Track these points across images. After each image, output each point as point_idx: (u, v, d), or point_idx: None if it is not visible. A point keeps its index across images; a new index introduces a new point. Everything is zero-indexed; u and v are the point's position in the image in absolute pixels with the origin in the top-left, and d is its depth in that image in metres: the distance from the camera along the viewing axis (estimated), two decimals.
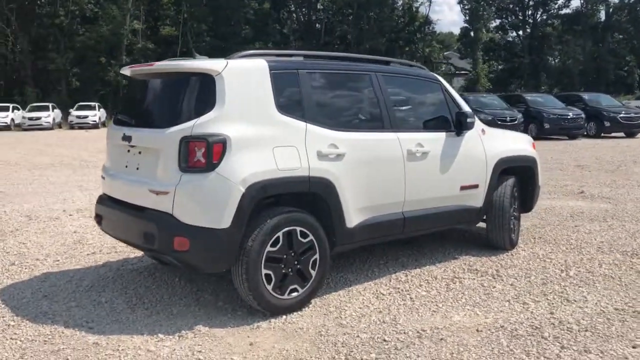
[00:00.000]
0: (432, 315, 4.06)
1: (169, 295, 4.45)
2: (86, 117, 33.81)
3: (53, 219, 7.28)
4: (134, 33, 42.75)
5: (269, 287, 3.91)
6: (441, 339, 3.64)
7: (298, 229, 4.03)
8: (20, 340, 3.64)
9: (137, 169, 4.13)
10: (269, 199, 4.05)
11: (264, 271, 3.87)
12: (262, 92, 3.97)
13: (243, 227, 3.77)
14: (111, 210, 4.30)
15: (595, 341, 3.58)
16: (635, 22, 52.10)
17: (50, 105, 34.41)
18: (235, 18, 43.82)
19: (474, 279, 4.83)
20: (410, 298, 4.39)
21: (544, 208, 7.76)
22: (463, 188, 5.15)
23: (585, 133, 21.91)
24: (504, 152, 5.47)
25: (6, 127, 32.20)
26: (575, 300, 4.30)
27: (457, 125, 5.01)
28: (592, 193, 8.97)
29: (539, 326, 3.81)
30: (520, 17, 55.92)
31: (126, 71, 4.48)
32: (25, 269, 5.16)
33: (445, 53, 58.92)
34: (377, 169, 4.46)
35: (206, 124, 3.74)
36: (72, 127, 33.29)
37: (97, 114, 34.25)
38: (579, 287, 4.60)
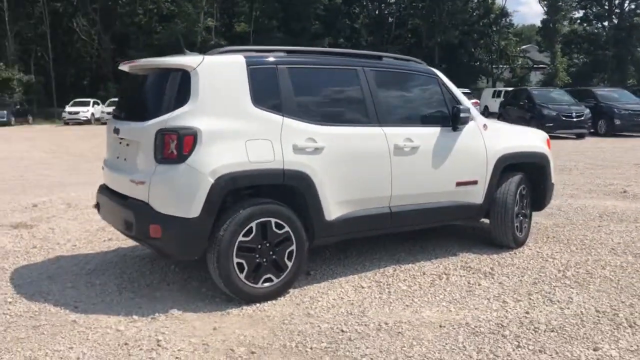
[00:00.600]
0: (404, 309, 4.07)
1: (159, 280, 4.68)
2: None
3: (89, 207, 7.73)
4: (207, 30, 44.05)
5: (241, 276, 4.05)
6: (399, 333, 3.65)
7: (273, 220, 4.14)
8: (10, 316, 3.97)
9: (125, 160, 4.38)
10: (248, 190, 4.20)
11: (235, 260, 4.01)
12: (237, 87, 4.10)
13: (213, 216, 3.92)
14: (106, 199, 4.57)
15: (556, 342, 3.49)
16: None
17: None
18: (306, 14, 44.24)
19: (463, 276, 4.77)
20: (389, 292, 4.40)
21: (575, 207, 7.49)
22: (459, 184, 5.08)
23: None
24: (508, 148, 5.33)
25: (87, 121, 34.13)
26: (558, 301, 4.17)
27: (453, 120, 4.95)
28: (636, 193, 8.52)
29: (504, 325, 3.75)
30: (606, 7, 53.05)
31: (124, 67, 4.74)
32: (43, 252, 5.56)
33: (524, 46, 56.93)
34: (359, 163, 4.49)
35: (180, 117, 3.92)
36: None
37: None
38: (570, 288, 4.46)
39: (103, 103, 36.24)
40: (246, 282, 4.07)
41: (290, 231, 4.21)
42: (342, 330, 3.68)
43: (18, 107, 37.58)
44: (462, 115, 4.88)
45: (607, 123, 20.04)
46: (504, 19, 50.52)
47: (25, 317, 3.94)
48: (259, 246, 4.11)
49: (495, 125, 5.53)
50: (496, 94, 33.51)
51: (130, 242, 5.82)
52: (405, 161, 4.74)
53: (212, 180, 3.86)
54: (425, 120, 5.00)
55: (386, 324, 3.79)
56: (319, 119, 4.40)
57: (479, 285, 4.55)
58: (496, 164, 5.24)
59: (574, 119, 18.80)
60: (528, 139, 5.67)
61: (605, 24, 53.11)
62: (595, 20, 54.07)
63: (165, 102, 4.06)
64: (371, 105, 4.64)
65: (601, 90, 23.73)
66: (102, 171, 4.89)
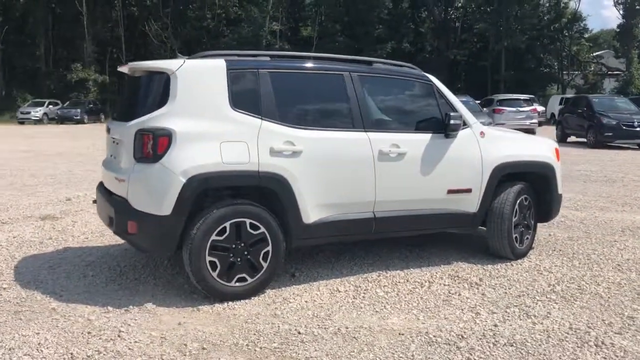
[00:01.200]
0: (371, 315, 4.06)
1: (147, 275, 4.87)
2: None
3: None
4: (272, 34, 44.80)
5: (214, 274, 4.16)
6: (354, 338, 3.66)
7: (248, 221, 4.23)
8: (15, 305, 4.22)
9: (115, 158, 4.59)
10: (227, 190, 4.32)
11: (208, 258, 4.12)
12: (216, 90, 4.22)
13: (184, 215, 4.06)
14: (99, 196, 4.80)
15: (510, 357, 3.40)
16: None
17: None
18: (369, 18, 44.18)
19: (447, 285, 4.70)
20: (363, 297, 4.40)
21: (600, 220, 7.20)
22: (451, 192, 5.01)
23: None
24: (507, 156, 5.20)
25: None
26: (534, 316, 4.05)
27: (444, 127, 4.89)
28: None
29: (464, 337, 3.68)
30: None
31: (123, 69, 4.95)
32: (56, 243, 5.90)
33: (599, 52, 54.56)
34: (340, 167, 4.52)
35: (157, 118, 4.09)
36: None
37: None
38: (554, 303, 4.31)
39: None
40: (218, 280, 4.18)
41: (266, 232, 4.29)
42: (299, 332, 3.72)
43: (91, 106, 39.56)
44: (452, 122, 4.81)
45: None
46: (576, 24, 48.60)
47: (12, 303, 4.20)
48: (233, 246, 4.21)
49: (495, 133, 5.41)
50: (563, 101, 32.34)
51: None
52: (391, 167, 4.72)
53: (183, 180, 4.00)
54: (416, 127, 4.96)
55: (346, 328, 3.80)
56: (300, 122, 4.46)
57: (459, 295, 4.47)
58: (493, 173, 5.12)
59: (637, 129, 17.89)
60: (531, 148, 5.50)
61: None
62: None
63: (147, 104, 4.24)
64: (357, 110, 4.65)
65: None
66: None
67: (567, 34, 48.06)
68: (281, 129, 4.34)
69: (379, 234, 4.89)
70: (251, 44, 44.32)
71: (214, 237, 4.13)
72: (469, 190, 5.08)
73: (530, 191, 5.45)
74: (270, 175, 4.25)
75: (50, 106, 38.94)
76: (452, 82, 50.95)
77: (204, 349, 3.48)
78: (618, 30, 49.02)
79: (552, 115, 31.63)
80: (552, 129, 22.87)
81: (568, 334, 3.73)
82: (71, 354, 3.36)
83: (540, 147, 5.59)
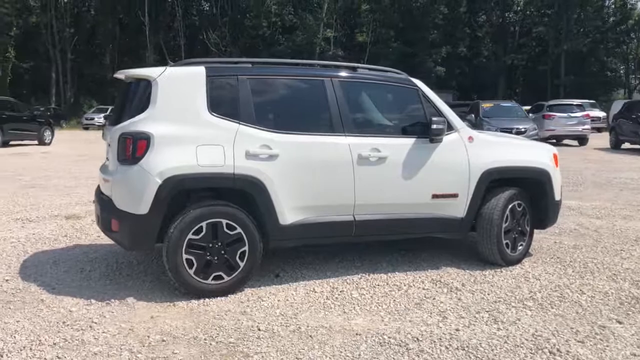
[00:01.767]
0: (338, 316, 4.14)
1: (140, 271, 5.11)
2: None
3: None
4: (326, 41, 45.17)
5: (190, 271, 4.34)
6: (310, 336, 3.75)
7: (224, 221, 4.40)
8: (10, 296, 4.56)
9: (107, 160, 4.86)
10: (207, 192, 4.52)
11: (185, 256, 4.32)
12: (195, 96, 4.42)
13: (161, 214, 4.27)
14: (95, 197, 5.09)
15: None
16: None
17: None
18: (424, 23, 43.90)
19: (426, 289, 4.71)
20: (336, 298, 4.48)
21: (616, 229, 6.99)
22: (436, 196, 5.02)
23: None
24: (496, 161, 5.16)
25: None
26: (502, 322, 4.02)
27: (427, 131, 4.91)
28: None
29: (419, 339, 3.71)
30: None
31: (118, 75, 5.18)
32: (69, 240, 6.26)
33: None
34: (317, 170, 4.62)
35: (138, 122, 4.33)
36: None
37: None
38: (527, 310, 4.26)
39: None
40: (195, 277, 4.36)
41: (242, 232, 4.44)
42: (259, 329, 3.85)
43: None
44: (433, 127, 4.82)
45: None
46: None
47: (7, 294, 4.53)
48: (210, 245, 4.38)
49: (485, 137, 5.36)
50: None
51: None
52: (371, 171, 4.78)
53: (159, 181, 4.21)
54: (399, 131, 5.00)
55: (307, 327, 3.90)
56: (277, 127, 4.59)
57: (434, 299, 4.48)
58: (481, 178, 5.09)
59: None
60: (524, 153, 5.42)
61: None
62: None
63: (132, 109, 4.49)
64: (337, 115, 4.74)
65: None
66: None
67: (634, 36, 46.10)
68: (258, 133, 4.49)
69: (360, 237, 4.96)
70: (305, 51, 44.89)
71: (190, 235, 4.32)
72: (455, 195, 5.07)
73: (524, 197, 5.38)
74: (245, 177, 4.40)
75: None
76: (509, 87, 49.91)
77: (163, 341, 3.67)
78: None
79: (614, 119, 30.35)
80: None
81: (526, 340, 3.69)
82: (39, 340, 3.61)
83: (535, 152, 5.50)
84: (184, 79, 4.48)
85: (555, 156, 5.61)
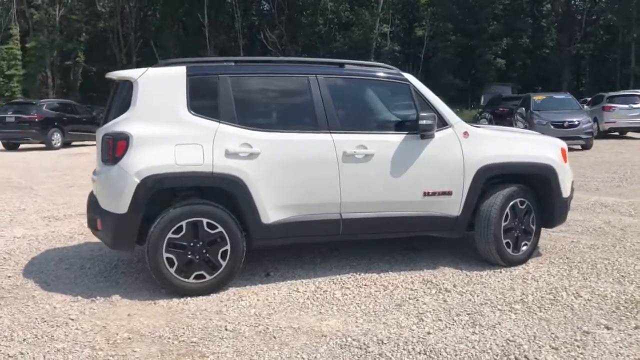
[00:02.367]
0: (312, 316, 4.07)
1: (135, 270, 5.20)
2: None
3: None
4: (383, 36, 44.72)
5: (171, 270, 4.39)
6: (273, 337, 3.71)
7: (205, 220, 4.41)
8: (5, 291, 4.76)
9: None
10: (189, 191, 4.55)
11: (165, 255, 4.36)
12: (174, 96, 4.45)
13: (140, 213, 4.32)
14: (88, 198, 5.21)
15: None
16: None
17: None
18: (483, 15, 42.64)
19: (413, 290, 4.57)
20: (316, 298, 4.42)
21: None
22: (428, 194, 4.85)
23: None
24: (493, 157, 4.94)
25: None
26: (480, 325, 3.85)
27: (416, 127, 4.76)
28: None
29: (384, 342, 3.60)
30: None
31: (110, 76, 5.23)
32: (83, 238, 6.46)
33: None
34: (300, 168, 4.56)
35: (119, 123, 4.41)
36: None
37: None
38: (512, 313, 4.05)
39: None
40: (176, 276, 4.40)
41: (224, 231, 4.45)
42: (226, 329, 3.84)
43: None
44: (421, 122, 4.66)
45: None
46: None
47: (4, 290, 4.72)
48: (191, 244, 4.41)
49: (483, 132, 5.13)
50: None
51: None
52: (357, 168, 4.68)
53: (137, 181, 4.27)
54: (388, 127, 4.88)
55: (275, 327, 3.86)
56: (259, 125, 4.57)
57: (417, 300, 4.34)
58: (477, 175, 4.89)
59: None
60: (526, 148, 5.15)
61: None
62: None
63: (115, 110, 4.58)
64: (321, 112, 4.67)
65: None
66: None
67: None
68: (238, 132, 4.47)
69: (348, 235, 4.86)
70: (361, 47, 44.62)
71: (170, 234, 4.36)
72: (448, 193, 4.89)
73: (528, 194, 5.12)
74: (224, 176, 4.40)
75: None
76: (575, 78, 47.84)
77: (129, 339, 3.72)
78: None
79: None
80: None
81: (496, 345, 3.51)
82: (12, 336, 3.73)
83: (539, 147, 5.21)
84: (164, 79, 4.53)
85: (563, 151, 5.31)
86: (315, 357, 3.41)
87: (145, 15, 57.33)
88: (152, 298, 4.45)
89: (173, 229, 4.36)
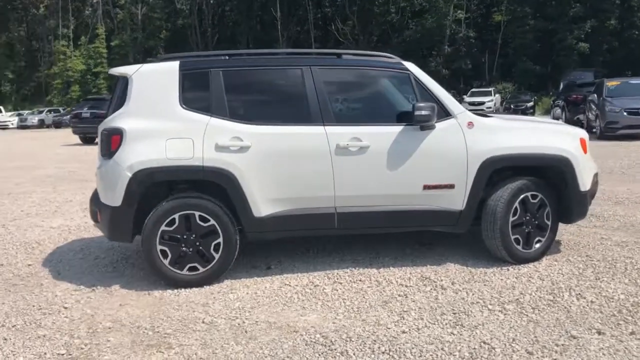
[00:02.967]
0: (293, 311, 4.03)
1: (137, 263, 5.30)
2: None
3: None
4: (457, 22, 43.56)
5: (165, 261, 4.48)
6: (245, 331, 3.70)
7: (197, 213, 4.47)
8: (12, 273, 5.05)
9: None
10: (187, 184, 4.63)
11: (159, 247, 4.46)
12: (167, 91, 4.52)
13: (133, 206, 4.43)
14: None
15: None
16: None
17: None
18: None
19: (408, 286, 4.43)
20: (304, 293, 4.37)
21: None
22: (428, 187, 4.68)
23: None
24: (500, 149, 4.68)
25: None
26: (462, 326, 3.68)
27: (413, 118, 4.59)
28: None
29: (352, 339, 3.51)
30: None
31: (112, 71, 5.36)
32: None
33: None
34: (292, 162, 4.52)
35: (115, 118, 4.53)
36: None
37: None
38: (502, 314, 3.84)
39: None
40: (170, 267, 4.49)
41: (216, 224, 4.49)
42: (203, 322, 3.87)
43: None
44: (416, 113, 4.48)
45: None
46: None
47: (18, 277, 4.98)
48: (184, 236, 4.48)
49: (490, 123, 4.86)
50: None
51: None
52: (352, 161, 4.57)
53: (129, 175, 4.37)
54: (386, 119, 4.72)
55: (252, 321, 3.85)
56: (250, 118, 4.56)
57: (407, 297, 4.20)
58: (481, 167, 4.65)
59: None
60: (538, 139, 4.82)
61: None
62: None
63: (114, 105, 4.70)
64: (315, 104, 4.59)
65: None
66: None
67: None
68: (229, 125, 4.49)
69: (344, 229, 4.78)
70: (435, 35, 43.73)
71: (163, 227, 4.44)
72: (451, 186, 4.69)
73: (542, 188, 4.82)
74: (214, 169, 4.42)
75: None
76: None
77: (109, 328, 3.82)
78: None
79: None
80: None
81: (467, 348, 3.34)
82: (5, 322, 3.94)
83: (554, 138, 4.88)
84: (158, 75, 4.60)
85: (582, 141, 4.95)
86: (277, 352, 3.37)
87: (224, 12, 58.76)
88: (149, 289, 4.55)
89: (166, 221, 4.44)
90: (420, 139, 4.63)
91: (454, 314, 3.87)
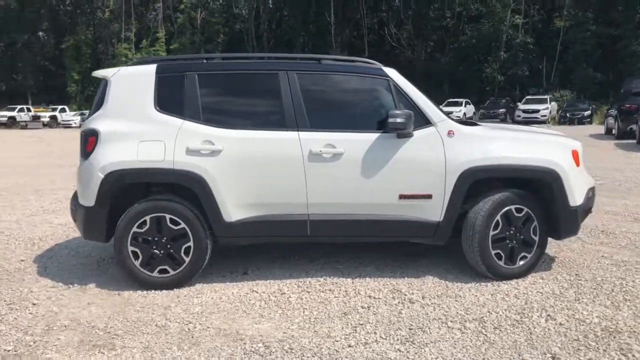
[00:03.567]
0: (250, 319, 3.98)
1: None
2: (451, 112, 35.86)
3: None
4: (515, 28, 42.40)
5: (136, 263, 4.52)
6: (192, 336, 3.69)
7: (168, 216, 4.49)
8: (2, 268, 5.21)
9: None
10: (158, 187, 4.67)
11: (130, 248, 4.51)
12: (143, 93, 4.56)
13: (106, 207, 4.49)
14: None
15: None
16: None
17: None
18: (631, 2, 38.79)
19: (376, 298, 4.30)
20: (267, 301, 4.30)
21: None
22: (405, 197, 4.53)
23: None
24: (481, 159, 4.48)
25: None
26: (410, 343, 3.54)
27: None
28: None
29: (290, 351, 3.43)
30: None
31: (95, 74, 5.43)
32: None
33: None
34: (263, 167, 4.47)
35: (93, 119, 4.61)
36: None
37: (461, 110, 35.86)
38: (459, 332, 3.67)
39: None
40: (141, 269, 4.52)
41: (187, 228, 4.49)
42: (156, 325, 3.87)
43: None
44: (390, 120, 4.35)
45: None
46: None
47: (6, 271, 5.13)
48: (155, 239, 4.51)
49: (472, 131, 4.64)
50: None
51: None
52: (325, 168, 4.48)
53: (102, 176, 4.44)
54: (362, 126, 4.60)
55: (203, 327, 3.83)
56: (223, 123, 4.53)
57: (369, 310, 4.08)
58: (460, 177, 4.47)
59: None
60: (523, 150, 4.57)
61: None
62: None
63: (94, 107, 4.78)
64: (290, 109, 4.53)
65: None
66: None
67: None
68: (201, 129, 4.48)
69: (317, 237, 4.67)
70: (491, 40, 42.73)
71: (135, 229, 4.49)
72: (428, 196, 4.52)
73: (528, 201, 4.59)
74: (184, 173, 4.43)
75: None
76: None
77: (65, 326, 3.88)
78: None
79: None
80: None
81: None
82: None
83: (542, 149, 4.62)
84: (135, 78, 4.65)
85: (575, 154, 4.68)
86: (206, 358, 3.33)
87: (282, 16, 59.35)
88: (122, 289, 4.59)
89: (137, 223, 4.48)
90: (397, 147, 4.49)
91: (410, 329, 3.72)
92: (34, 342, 3.63)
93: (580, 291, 4.33)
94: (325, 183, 4.50)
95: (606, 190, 8.76)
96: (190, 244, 4.51)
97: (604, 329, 3.64)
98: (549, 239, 4.80)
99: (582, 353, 3.32)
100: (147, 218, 4.48)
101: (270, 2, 57.63)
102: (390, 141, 4.50)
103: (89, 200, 4.50)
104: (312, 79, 4.66)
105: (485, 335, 3.61)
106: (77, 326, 3.88)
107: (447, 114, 4.70)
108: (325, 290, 4.49)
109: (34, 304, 4.30)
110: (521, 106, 34.61)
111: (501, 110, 36.31)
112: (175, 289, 4.54)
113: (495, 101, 38.23)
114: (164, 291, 4.51)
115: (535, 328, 3.68)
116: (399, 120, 4.34)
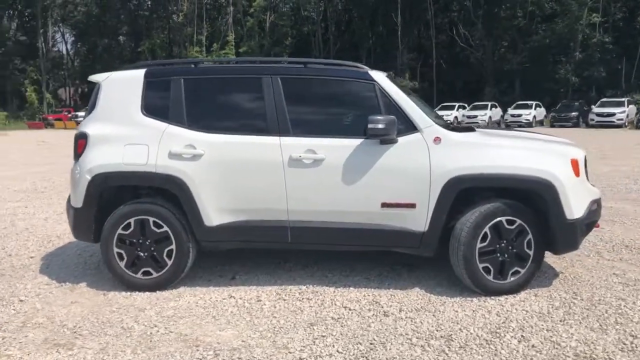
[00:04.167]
0: (216, 325, 3.95)
1: None
2: (520, 115, 34.73)
3: None
4: (591, 27, 40.43)
5: (121, 264, 4.60)
6: (151, 340, 3.71)
7: (151, 219, 4.55)
8: (10, 264, 5.45)
9: None
10: (145, 190, 4.74)
11: (115, 249, 4.59)
12: (131, 98, 4.64)
13: (93, 208, 4.59)
14: None
15: None
16: None
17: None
18: None
19: (350, 309, 4.17)
20: (239, 307, 4.27)
21: None
22: (386, 205, 4.37)
23: None
24: (467, 168, 4.26)
25: None
26: (366, 359, 3.40)
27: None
28: None
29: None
30: None
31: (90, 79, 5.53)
32: None
33: None
34: (244, 172, 4.44)
35: (85, 123, 4.74)
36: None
37: (531, 113, 34.64)
38: (421, 350, 3.50)
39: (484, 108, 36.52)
40: (126, 270, 4.60)
41: (169, 231, 4.54)
42: (122, 327, 3.92)
43: None
44: (370, 126, 4.20)
45: None
46: None
47: (13, 267, 5.37)
48: (140, 241, 4.58)
49: (460, 138, 4.39)
50: None
51: None
52: (306, 174, 4.40)
53: (89, 178, 4.54)
54: (345, 131, 4.47)
55: (166, 332, 3.84)
56: (206, 127, 4.53)
57: (338, 321, 3.96)
58: (446, 186, 4.27)
59: None
60: (517, 158, 4.29)
61: None
62: None
63: (87, 111, 4.91)
64: (272, 114, 4.48)
65: None
66: None
67: None
68: (185, 133, 4.51)
69: (298, 244, 4.58)
70: (565, 40, 40.96)
71: (120, 230, 4.57)
72: (411, 205, 4.34)
73: (521, 213, 4.32)
74: (166, 176, 4.47)
75: None
76: None
77: (39, 324, 4.00)
78: None
79: None
80: None
81: None
82: None
83: (536, 158, 4.31)
84: (124, 82, 4.73)
85: (574, 162, 4.36)
86: None
87: (351, 18, 59.33)
88: (110, 290, 4.69)
89: (122, 225, 4.56)
90: (380, 153, 4.35)
91: (371, 344, 3.58)
92: (3, 339, 3.74)
93: (571, 311, 4.03)
94: (305, 189, 4.42)
95: None
96: (173, 247, 4.54)
97: (576, 354, 3.36)
98: (565, 254, 4.48)
99: None
100: (132, 220, 4.55)
101: (339, 4, 57.71)
102: (373, 147, 4.36)
103: (77, 201, 4.62)
104: (296, 84, 4.58)
105: (446, 355, 3.42)
106: (49, 324, 3.98)
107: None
108: (303, 299, 4.40)
109: (21, 301, 4.46)
110: (595, 109, 32.90)
111: (573, 113, 34.50)
112: (157, 291, 4.58)
113: (567, 104, 36.45)
114: (147, 293, 4.56)
115: (502, 350, 3.45)
116: (379, 125, 4.20)
